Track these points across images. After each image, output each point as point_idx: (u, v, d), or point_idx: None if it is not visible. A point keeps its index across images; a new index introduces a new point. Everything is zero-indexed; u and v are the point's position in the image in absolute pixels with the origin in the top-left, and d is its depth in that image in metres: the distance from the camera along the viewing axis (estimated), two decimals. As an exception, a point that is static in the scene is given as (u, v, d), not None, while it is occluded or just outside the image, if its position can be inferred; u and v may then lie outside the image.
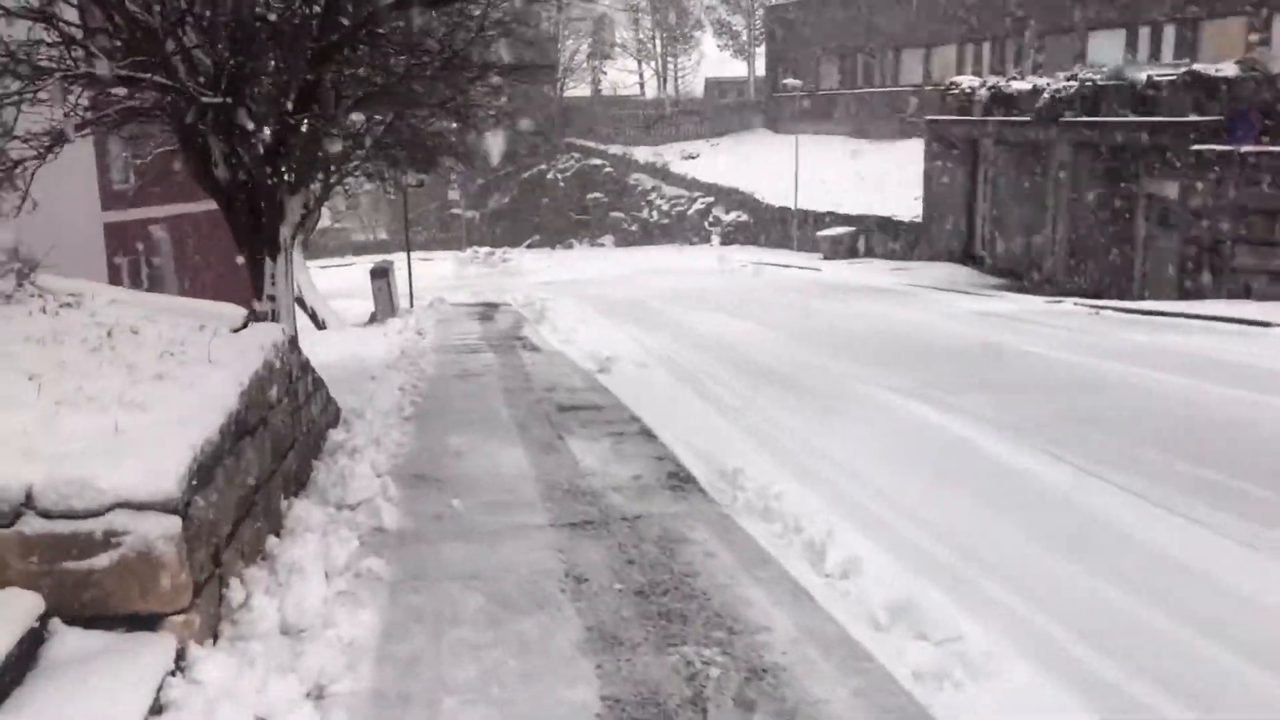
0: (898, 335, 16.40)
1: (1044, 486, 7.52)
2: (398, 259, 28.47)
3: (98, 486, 4.00)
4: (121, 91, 10.72)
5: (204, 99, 9.55)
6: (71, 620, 4.01)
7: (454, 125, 23.00)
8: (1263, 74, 20.53)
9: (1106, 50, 34.17)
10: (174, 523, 4.07)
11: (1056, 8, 36.82)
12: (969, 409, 9.95)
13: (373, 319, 23.72)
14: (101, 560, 3.99)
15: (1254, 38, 29.42)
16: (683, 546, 6.10)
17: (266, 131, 11.36)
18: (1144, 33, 33.96)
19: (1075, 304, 21.08)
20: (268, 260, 11.23)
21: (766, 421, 9.80)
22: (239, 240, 11.42)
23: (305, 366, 7.78)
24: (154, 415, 4.70)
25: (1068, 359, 13.09)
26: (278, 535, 5.94)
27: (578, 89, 58.70)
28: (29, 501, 3.99)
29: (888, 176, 39.74)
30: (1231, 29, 30.58)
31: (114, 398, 4.83)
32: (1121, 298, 22.60)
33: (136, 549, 4.00)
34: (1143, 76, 23.04)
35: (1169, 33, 32.94)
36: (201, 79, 10.07)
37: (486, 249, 46.79)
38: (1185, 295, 20.86)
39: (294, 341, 7.32)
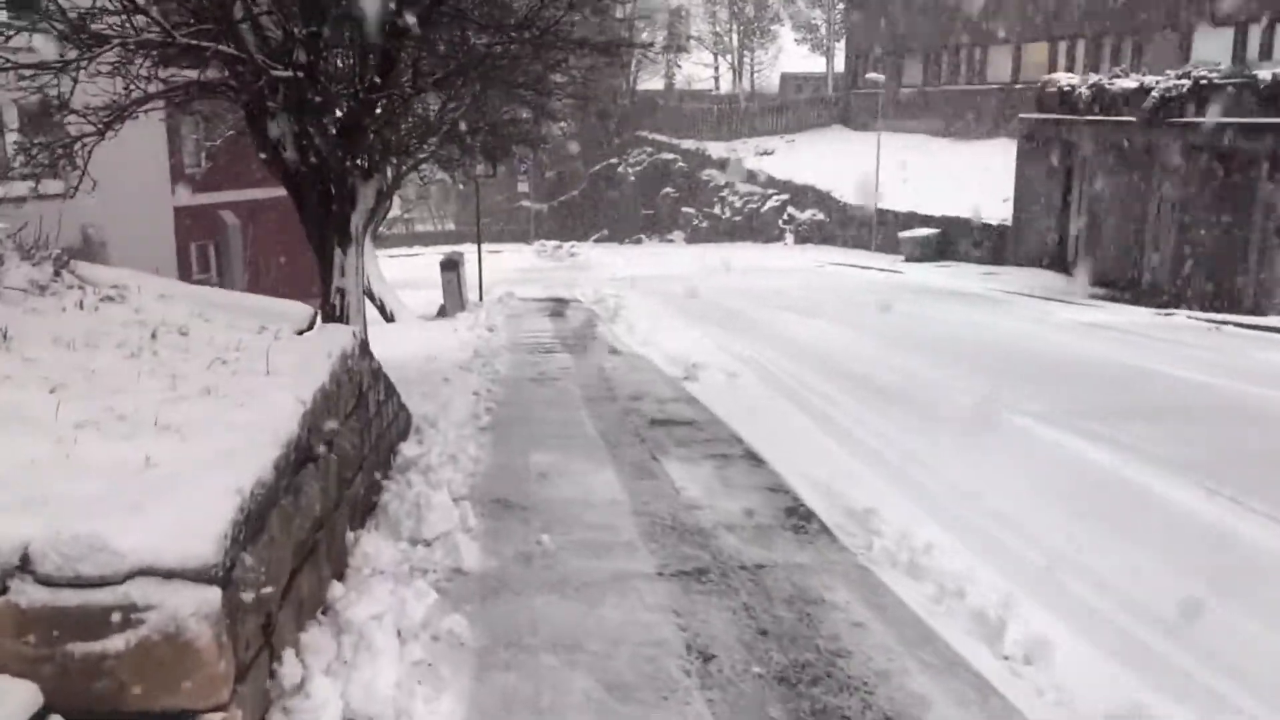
0: (1006, 347, 15.14)
1: (1255, 550, 6.33)
2: (467, 251, 27.73)
3: (114, 547, 3.07)
4: (186, 64, 9.95)
5: (273, 72, 8.70)
6: (77, 718, 3.10)
7: (528, 114, 22.18)
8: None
9: (1212, 49, 32.30)
10: (211, 595, 3.13)
11: (1158, 4, 34.99)
12: (1124, 441, 8.74)
13: (441, 312, 22.96)
14: (116, 643, 3.07)
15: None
16: (823, 611, 5.05)
17: (339, 111, 10.54)
18: (1254, 31, 32.04)
19: (1189, 317, 19.59)
20: (337, 251, 10.38)
21: (888, 447, 8.69)
22: (308, 229, 10.60)
23: (377, 373, 6.87)
24: (196, 445, 3.78)
25: (1206, 381, 11.77)
26: (341, 579, 5.01)
27: (651, 82, 57.67)
28: (25, 564, 3.07)
29: (972, 177, 38.10)
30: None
31: (149, 419, 3.92)
32: (1232, 312, 21.03)
33: (162, 629, 3.07)
34: (1268, 75, 21.40)
35: (1281, 31, 31.03)
36: (271, 51, 9.24)
37: (554, 242, 46.08)
38: (1309, 312, 19.30)
39: (365, 346, 6.41)
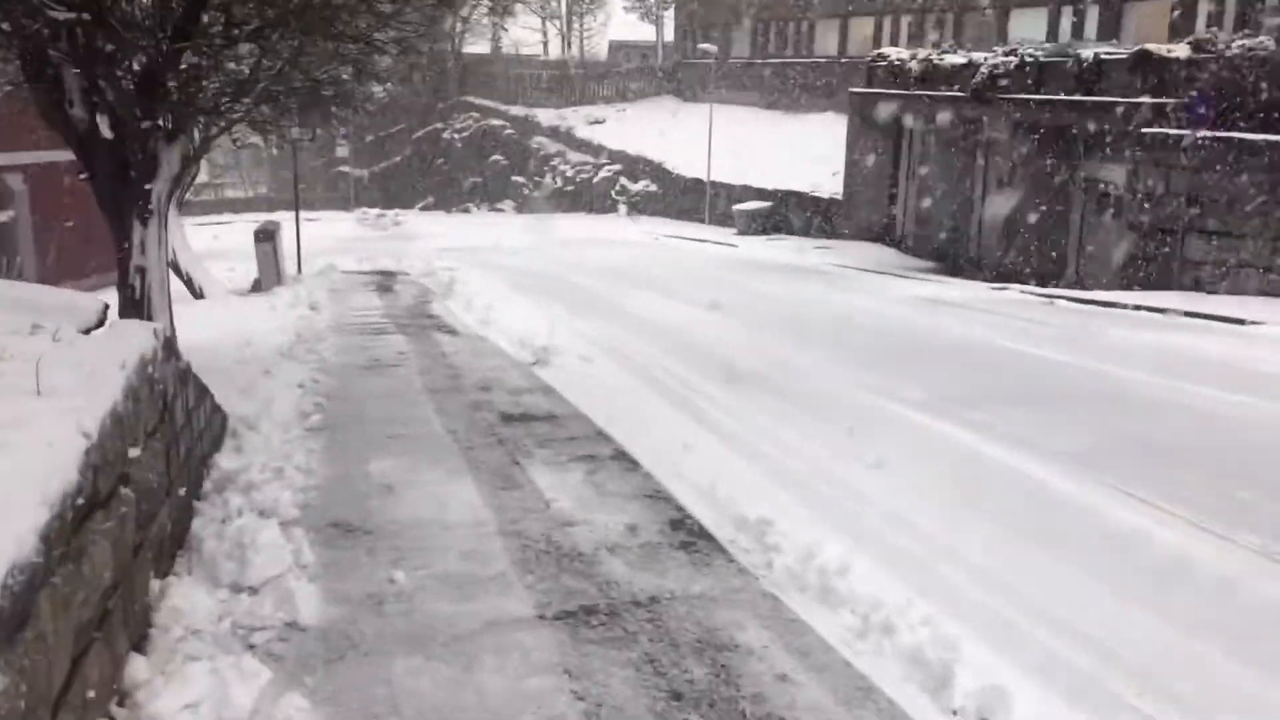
0: (856, 324, 14.90)
1: (1177, 555, 5.94)
2: (283, 219, 25.81)
3: None
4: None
5: (50, 11, 7.28)
6: None
7: (349, 73, 20.63)
8: (1218, 55, 19.63)
9: (1028, 28, 33.45)
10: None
11: (980, -18, 35.98)
12: (1007, 431, 8.38)
13: (256, 287, 21.19)
14: None
15: (1177, 19, 28.85)
16: (739, 660, 4.32)
17: (137, 64, 9.12)
18: (1066, 11, 33.29)
19: (1022, 292, 19.97)
20: (136, 224, 8.99)
21: (765, 441, 8.06)
22: (100, 199, 9.16)
23: (185, 375, 5.71)
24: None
25: (1069, 361, 11.70)
26: (143, 649, 3.96)
27: (477, 45, 55.86)
28: None
29: (803, 150, 38.40)
30: (1154, 11, 30.03)
31: None
32: (1054, 285, 21.65)
33: None
34: (1089, 54, 22.00)
35: (1092, 13, 32.29)
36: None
37: (377, 211, 44.04)
38: (1127, 285, 19.96)
39: (170, 345, 5.26)
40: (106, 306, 4.91)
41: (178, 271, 20.17)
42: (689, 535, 5.84)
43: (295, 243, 23.78)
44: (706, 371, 10.82)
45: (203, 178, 51.34)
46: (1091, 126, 21.24)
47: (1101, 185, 21.63)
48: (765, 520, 5.84)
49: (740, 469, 7.13)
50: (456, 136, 50.34)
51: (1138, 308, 16.87)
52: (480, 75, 51.97)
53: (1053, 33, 32.47)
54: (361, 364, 11.08)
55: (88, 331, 4.69)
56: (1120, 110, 20.36)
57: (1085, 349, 12.47)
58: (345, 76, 20.91)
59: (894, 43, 38.28)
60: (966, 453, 7.88)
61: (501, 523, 5.97)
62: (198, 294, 19.97)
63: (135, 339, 4.47)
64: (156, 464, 4.47)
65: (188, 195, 27.63)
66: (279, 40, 10.99)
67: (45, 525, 2.79)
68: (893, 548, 5.83)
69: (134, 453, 4.08)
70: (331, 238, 34.46)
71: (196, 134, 20.13)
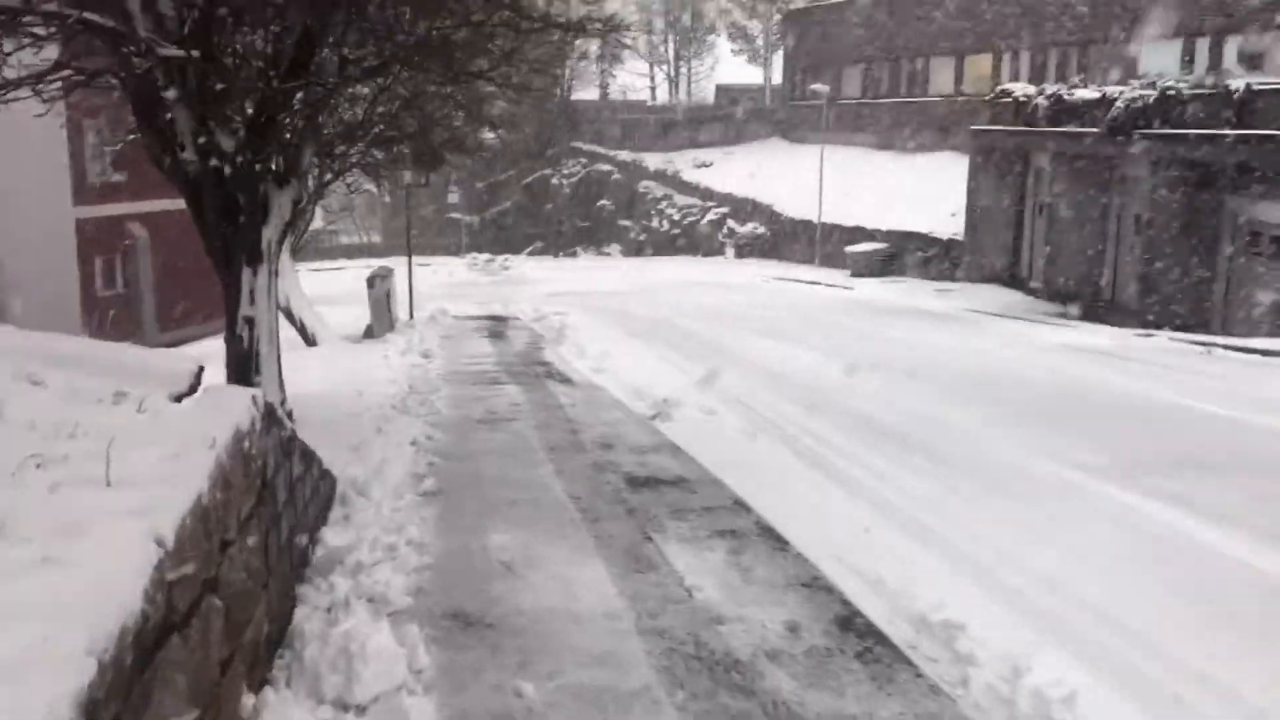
0: (998, 374, 13.77)
1: None
2: (395, 264, 25.75)
3: None
4: (56, 38, 8.05)
5: (160, 50, 6.87)
6: None
7: (462, 119, 20.41)
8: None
9: (1160, 61, 31.74)
10: None
11: (1104, 17, 34.48)
12: (1212, 507, 7.22)
13: (369, 333, 21.01)
14: None
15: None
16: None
17: (248, 104, 8.73)
18: (1201, 44, 31.53)
19: (1172, 339, 18.49)
20: (245, 271, 8.54)
21: (929, 514, 7.09)
22: (209, 245, 8.74)
23: (290, 444, 5.09)
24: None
25: (1249, 420, 10.44)
26: (229, 790, 3.26)
27: (586, 92, 56.06)
28: None
29: (918, 191, 37.17)
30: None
31: None
32: (1202, 331, 20.07)
33: None
34: (1240, 84, 20.51)
35: (1231, 45, 30.48)
36: (161, 24, 7.42)
37: (486, 256, 44.19)
38: (1283, 332, 18.36)
39: (272, 413, 4.63)
40: (201, 370, 4.31)
41: (290, 318, 20.08)
42: (862, 639, 4.95)
43: (408, 288, 23.62)
44: (843, 427, 9.89)
45: (317, 224, 52.43)
46: (1245, 162, 19.73)
47: (1253, 226, 20.06)
48: (952, 623, 4.91)
49: (907, 550, 6.20)
50: (565, 182, 50.41)
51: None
52: (588, 121, 52.06)
53: (1188, 64, 30.76)
54: (476, 417, 10.46)
55: (179, 399, 4.08)
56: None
57: (1264, 405, 11.17)
58: (458, 122, 20.76)
59: (1013, 79, 36.86)
60: (1176, 536, 6.75)
61: (639, 615, 5.17)
62: (310, 340, 19.80)
63: (230, 409, 3.83)
64: (252, 559, 3.80)
65: (302, 241, 27.92)
66: (394, 80, 10.59)
67: (89, 689, 2.09)
68: (1126, 668, 4.77)
69: (224, 547, 3.41)
70: (442, 283, 34.54)
71: (311, 179, 20.17)
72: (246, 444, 3.79)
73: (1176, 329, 20.33)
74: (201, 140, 8.07)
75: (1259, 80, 20.88)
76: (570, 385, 12.98)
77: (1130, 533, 6.75)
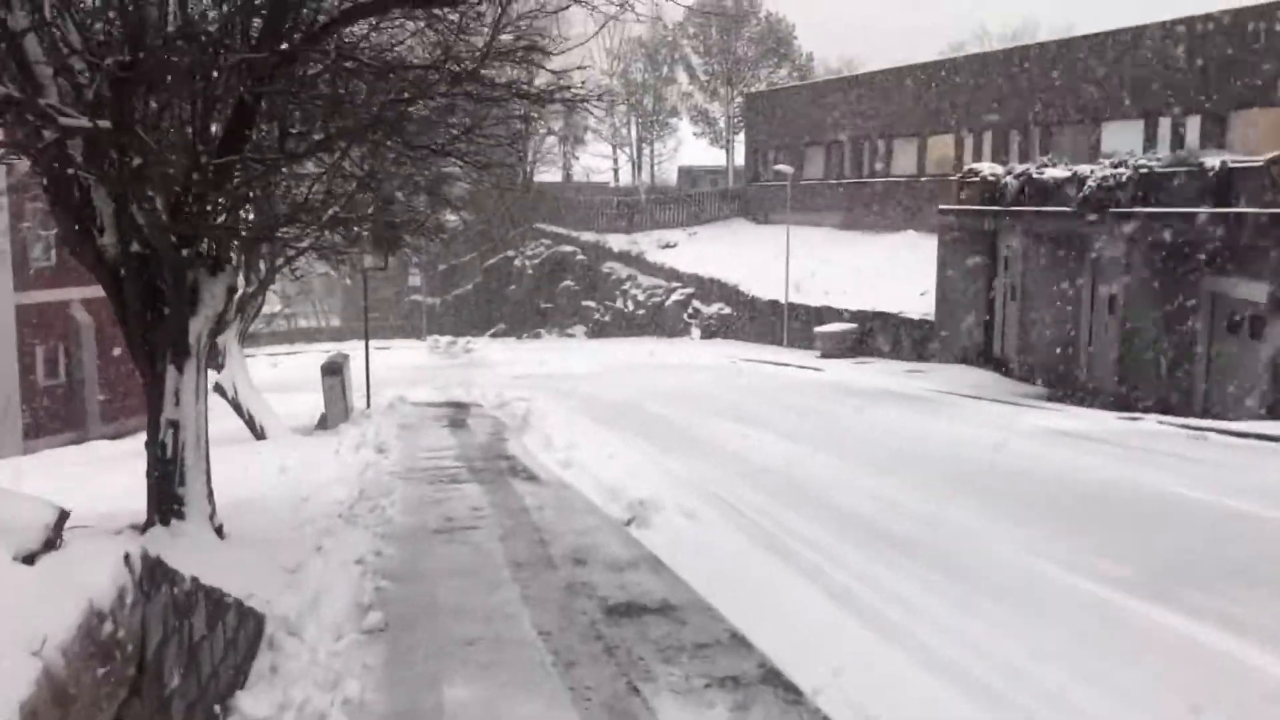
0: (988, 464, 12.96)
1: None
2: (356, 348, 24.76)
3: None
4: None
5: (62, 120, 5.98)
6: None
7: (423, 200, 19.66)
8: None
9: (1122, 140, 31.85)
10: None
11: (1066, 97, 34.73)
12: (1271, 628, 6.37)
13: (323, 423, 19.97)
14: None
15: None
16: None
17: (175, 183, 7.86)
18: (1164, 123, 31.69)
19: (1160, 423, 17.83)
20: (170, 370, 7.58)
21: (957, 645, 6.15)
22: (129, 339, 7.79)
23: (189, 601, 4.09)
24: None
25: (1260, 513, 9.66)
26: None
27: (548, 174, 55.88)
28: None
29: (885, 270, 36.84)
30: (1266, 119, 28.31)
31: None
32: (1182, 413, 19.49)
33: None
34: (1215, 162, 20.26)
35: (1193, 123, 30.62)
36: (81, 93, 6.57)
37: (448, 338, 43.33)
38: (1275, 415, 17.75)
39: (159, 569, 3.62)
40: (62, 517, 3.33)
41: (238, 409, 18.99)
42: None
43: (365, 375, 22.61)
44: (837, 531, 9.00)
45: (275, 306, 51.35)
46: (1222, 240, 19.36)
47: (1231, 305, 19.63)
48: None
49: (939, 695, 5.25)
50: (528, 263, 49.84)
51: (1308, 442, 14.70)
52: (552, 202, 51.74)
53: (1150, 144, 30.84)
54: (432, 526, 9.45)
55: (30, 558, 3.10)
56: (1259, 221, 18.48)
57: (1260, 494, 10.41)
58: (418, 203, 19.99)
59: (976, 159, 36.94)
60: (1243, 670, 5.86)
61: (631, 802, 4.19)
62: (259, 434, 18.69)
63: (87, 579, 2.87)
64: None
65: (255, 326, 26.84)
66: (344, 157, 9.76)
67: None
68: None
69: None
70: (403, 367, 33.57)
71: (262, 264, 19.25)
72: (110, 625, 2.83)
73: (1155, 410, 19.74)
74: (123, 222, 7.19)
75: (1234, 158, 20.67)
76: (536, 483, 12.01)
77: (1184, 665, 5.86)
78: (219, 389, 18.61)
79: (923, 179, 41.07)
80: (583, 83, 9.33)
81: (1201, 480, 11.58)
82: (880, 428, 16.74)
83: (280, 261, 18.94)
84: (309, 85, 8.46)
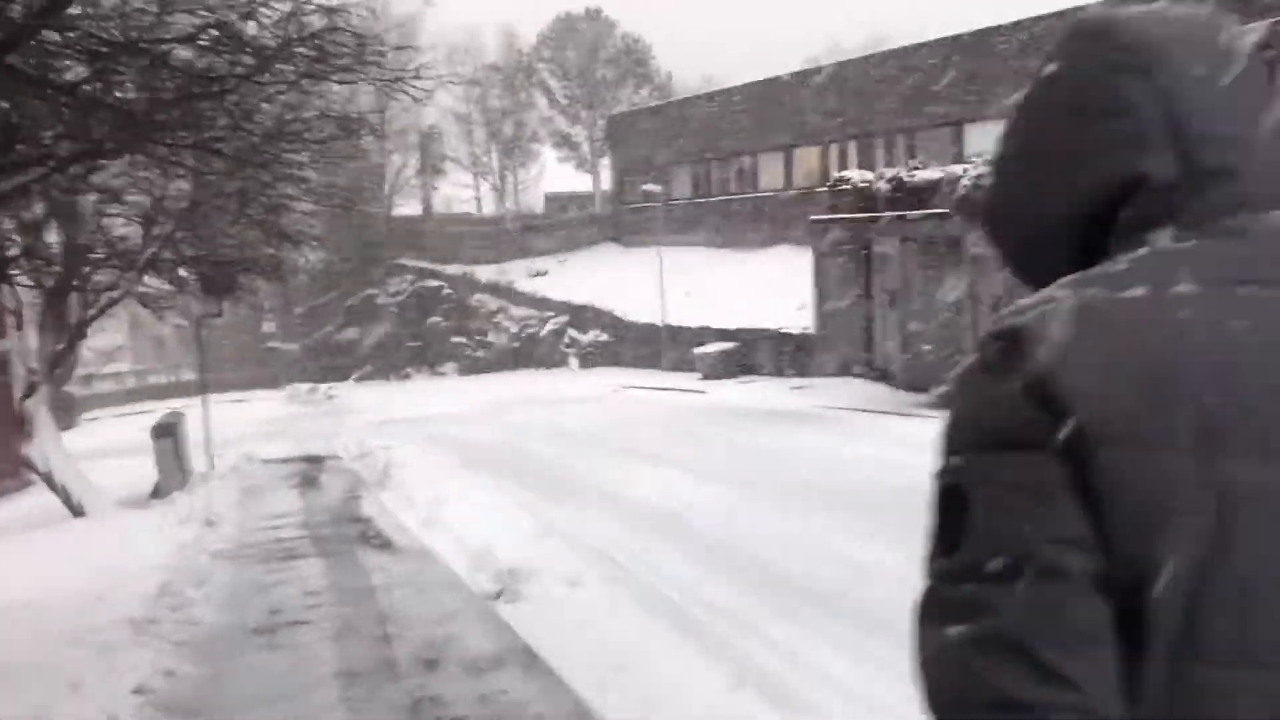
0: (901, 491, 11.70)
1: None
2: (213, 402, 22.36)
3: None
4: None
5: None
6: None
7: (263, 238, 17.61)
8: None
9: (985, 143, 31.74)
10: None
11: (928, 103, 34.62)
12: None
13: (156, 491, 17.65)
14: None
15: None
16: None
17: None
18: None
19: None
20: None
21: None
22: None
23: None
24: None
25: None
26: None
27: (407, 206, 53.71)
28: None
29: (761, 287, 36.03)
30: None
31: None
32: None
33: None
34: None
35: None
36: None
37: (308, 386, 40.78)
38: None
39: None
40: None
41: (52, 484, 16.60)
42: None
43: (204, 432, 20.30)
44: (756, 592, 7.54)
45: (119, 365, 47.65)
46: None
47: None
48: None
49: None
50: (392, 300, 47.54)
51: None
52: (413, 235, 49.57)
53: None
54: (251, 624, 7.62)
55: None
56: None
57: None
58: (251, 239, 17.85)
59: (842, 168, 36.55)
60: None
61: None
62: (77, 510, 16.30)
63: None
64: None
65: (103, 386, 24.16)
66: (95, 171, 7.93)
67: None
68: None
69: None
70: (256, 420, 31.09)
71: (73, 313, 16.90)
72: None
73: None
74: None
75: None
76: (390, 552, 10.26)
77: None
78: (27, 462, 16.24)
79: (790, 192, 40.60)
80: (417, 67, 7.72)
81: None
82: (774, 452, 15.48)
83: (93, 313, 16.67)
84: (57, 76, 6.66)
